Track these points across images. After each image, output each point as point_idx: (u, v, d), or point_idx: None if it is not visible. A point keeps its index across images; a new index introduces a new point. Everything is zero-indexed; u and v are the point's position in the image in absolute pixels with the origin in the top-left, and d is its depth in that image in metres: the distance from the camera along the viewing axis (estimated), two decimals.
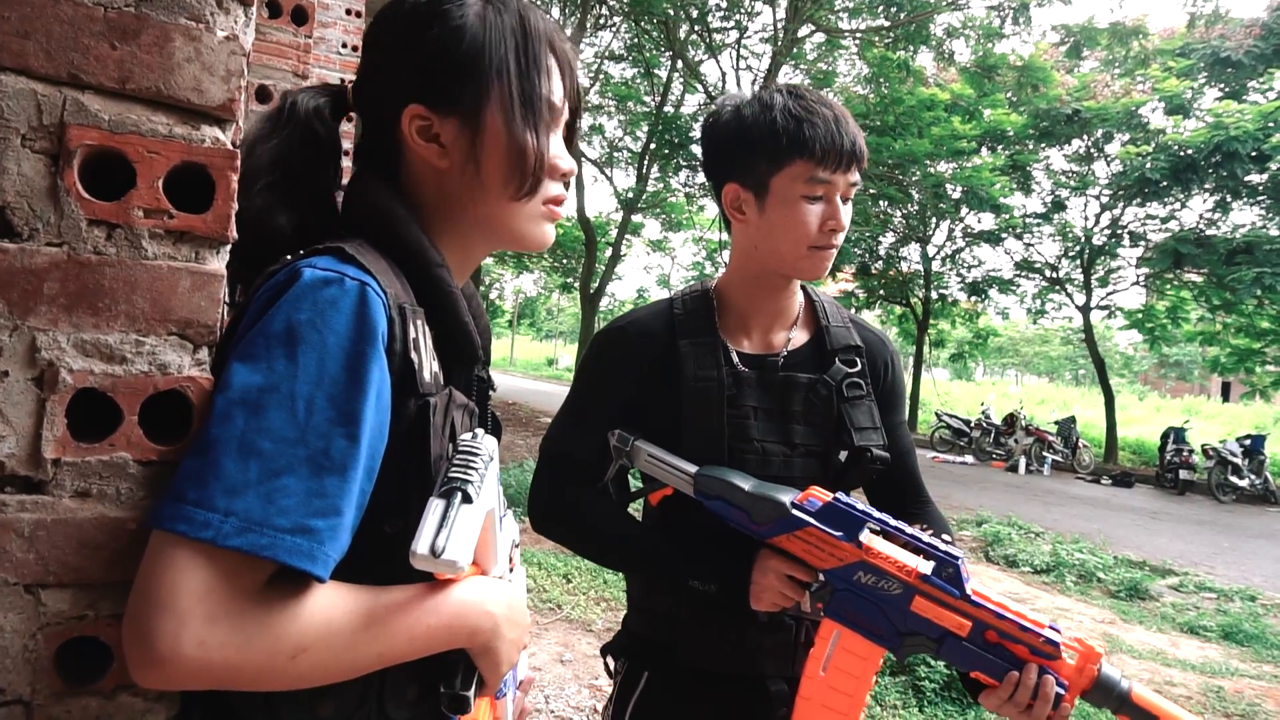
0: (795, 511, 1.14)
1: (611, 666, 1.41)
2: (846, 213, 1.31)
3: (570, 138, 0.95)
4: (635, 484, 1.37)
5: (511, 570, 0.93)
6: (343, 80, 0.89)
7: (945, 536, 1.17)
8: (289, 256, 0.77)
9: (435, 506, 0.72)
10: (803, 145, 1.26)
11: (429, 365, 0.77)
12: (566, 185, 0.92)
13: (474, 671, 0.81)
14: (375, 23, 0.87)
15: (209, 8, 0.66)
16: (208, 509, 0.60)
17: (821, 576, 1.16)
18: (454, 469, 0.75)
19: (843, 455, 1.33)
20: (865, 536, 1.13)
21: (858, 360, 1.36)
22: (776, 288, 1.36)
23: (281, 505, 0.62)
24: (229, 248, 0.72)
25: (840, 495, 1.16)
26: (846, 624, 1.13)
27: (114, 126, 0.64)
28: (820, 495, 1.16)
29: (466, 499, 0.73)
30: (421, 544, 0.68)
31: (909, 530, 1.14)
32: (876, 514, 1.14)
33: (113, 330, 0.64)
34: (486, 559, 0.84)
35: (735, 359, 1.33)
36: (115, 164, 0.65)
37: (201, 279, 0.68)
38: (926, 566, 1.10)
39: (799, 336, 1.38)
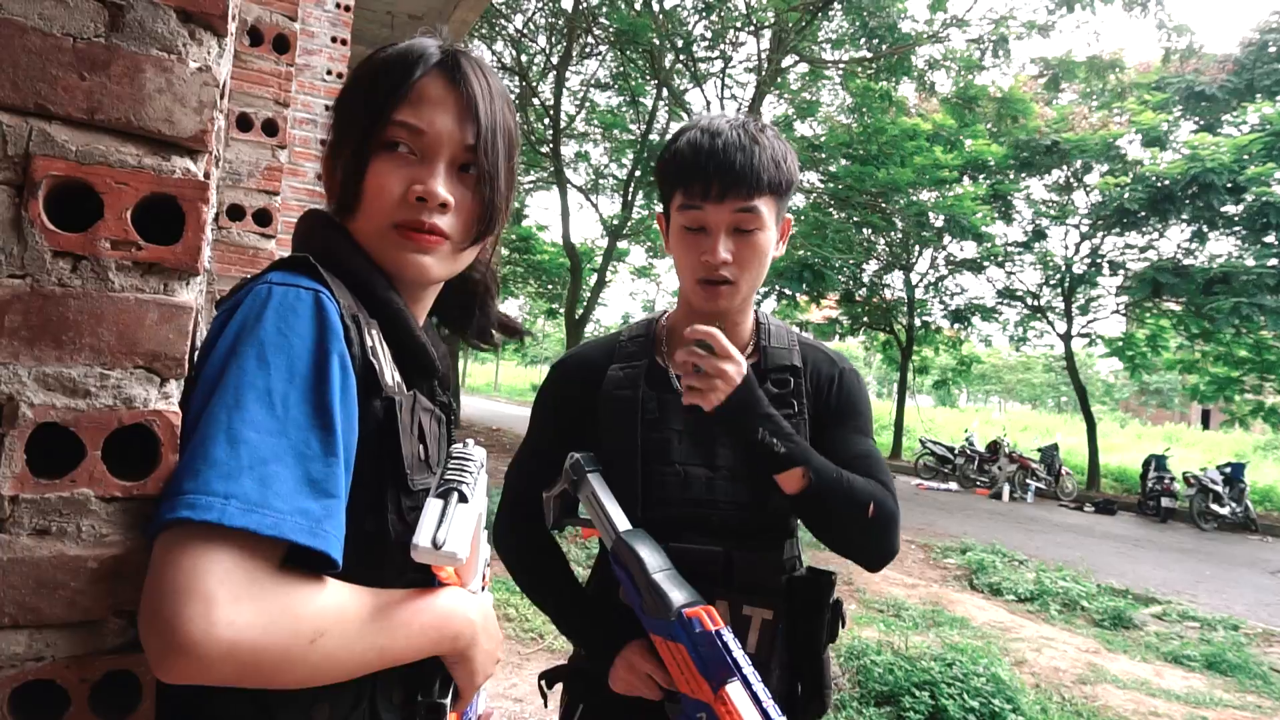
0: (676, 623, 1.09)
1: (546, 693, 1.40)
2: (746, 245, 1.26)
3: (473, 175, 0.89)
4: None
5: (484, 589, 0.96)
6: None
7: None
8: (247, 276, 0.82)
9: (433, 505, 0.77)
10: (677, 176, 1.28)
11: (389, 372, 0.80)
12: (442, 214, 0.86)
13: (450, 682, 0.85)
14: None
15: (181, 39, 0.65)
16: (207, 494, 0.61)
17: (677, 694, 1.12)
18: (449, 472, 0.81)
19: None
20: (731, 688, 1.04)
21: (791, 380, 1.34)
22: (709, 316, 1.34)
23: (277, 489, 0.64)
24: (201, 279, 0.71)
25: (725, 633, 1.08)
26: None
27: (81, 157, 0.63)
28: (709, 622, 1.08)
29: (463, 498, 0.78)
30: (423, 537, 0.73)
31: (770, 706, 1.04)
32: (749, 671, 1.06)
33: (76, 363, 0.63)
34: (466, 571, 0.88)
35: (675, 382, 1.33)
36: (83, 195, 0.64)
37: (170, 311, 0.66)
38: None
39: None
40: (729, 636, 1.08)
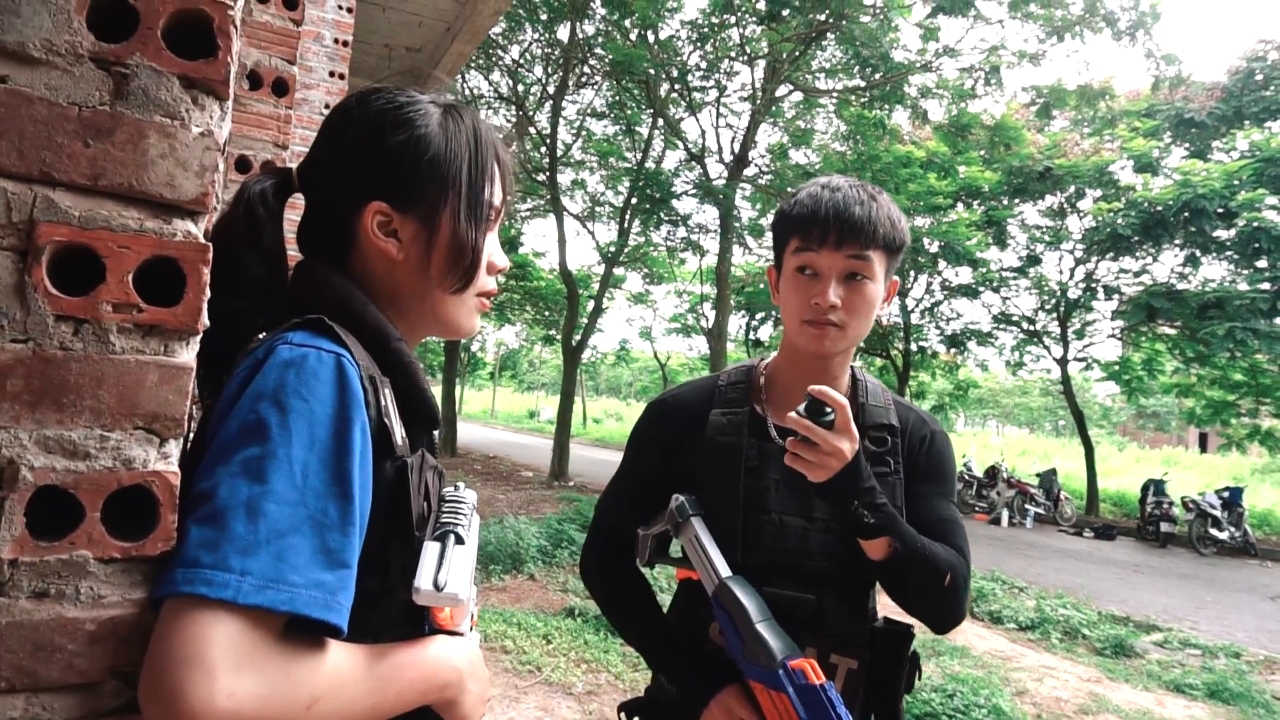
0: (781, 673, 1.11)
1: None
2: (856, 293, 1.30)
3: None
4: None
5: (472, 629, 0.97)
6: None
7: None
8: (262, 335, 0.81)
9: (431, 548, 0.80)
10: (794, 223, 1.33)
11: (398, 431, 0.81)
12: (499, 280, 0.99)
13: None
14: (337, 118, 0.91)
15: (184, 104, 0.67)
16: (224, 570, 0.62)
17: None
18: (445, 515, 0.84)
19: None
20: None
21: (888, 439, 1.36)
22: (809, 364, 1.37)
23: (293, 563, 0.65)
24: (199, 338, 0.71)
25: (830, 688, 1.10)
26: None
27: (84, 222, 0.63)
28: (813, 675, 1.11)
29: (459, 540, 0.81)
30: (424, 580, 0.77)
31: None
32: None
33: (77, 426, 0.63)
34: (458, 611, 0.89)
35: (772, 432, 1.36)
36: (85, 258, 0.65)
37: (170, 372, 0.67)
38: None
39: None
40: (833, 691, 1.10)
